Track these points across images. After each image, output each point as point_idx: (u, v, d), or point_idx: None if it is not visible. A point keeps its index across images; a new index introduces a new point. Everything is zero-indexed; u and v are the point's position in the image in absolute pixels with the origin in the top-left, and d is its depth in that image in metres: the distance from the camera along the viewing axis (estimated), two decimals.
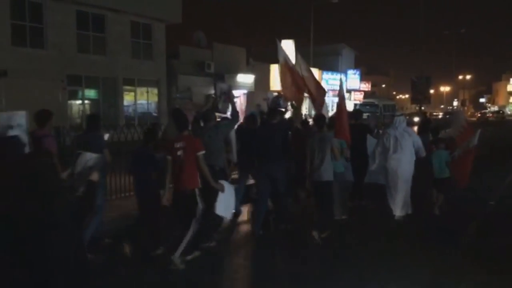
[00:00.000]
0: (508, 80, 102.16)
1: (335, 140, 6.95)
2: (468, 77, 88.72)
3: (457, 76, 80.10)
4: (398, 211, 7.53)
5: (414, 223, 7.97)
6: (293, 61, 9.62)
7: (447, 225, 7.73)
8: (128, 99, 23.99)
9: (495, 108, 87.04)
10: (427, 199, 8.42)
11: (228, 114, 7.58)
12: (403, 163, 7.41)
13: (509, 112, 76.08)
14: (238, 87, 29.46)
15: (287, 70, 9.16)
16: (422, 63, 36.64)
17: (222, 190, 5.88)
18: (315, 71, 37.67)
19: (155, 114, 24.90)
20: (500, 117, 64.21)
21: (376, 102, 28.67)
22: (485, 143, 11.11)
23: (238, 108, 23.90)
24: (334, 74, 39.80)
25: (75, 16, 20.65)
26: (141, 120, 23.21)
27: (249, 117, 8.07)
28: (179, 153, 5.61)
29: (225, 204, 6.00)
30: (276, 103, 8.60)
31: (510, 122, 50.57)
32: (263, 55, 34.45)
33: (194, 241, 5.67)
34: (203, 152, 5.69)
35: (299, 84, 9.15)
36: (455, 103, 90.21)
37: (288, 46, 35.99)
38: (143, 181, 6.15)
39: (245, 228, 7.81)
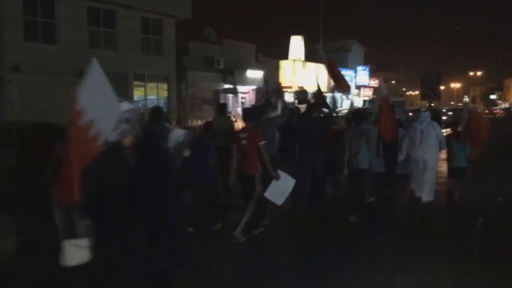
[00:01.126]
0: None
1: (372, 132, 7.87)
2: (479, 73, 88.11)
3: (468, 73, 79.53)
4: (425, 196, 8.05)
5: (422, 218, 8.07)
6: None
7: (455, 221, 7.78)
8: (138, 94, 24.16)
9: (506, 105, 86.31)
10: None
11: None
12: (428, 153, 7.96)
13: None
14: (247, 83, 29.57)
15: (332, 65, 9.61)
16: (432, 60, 36.59)
17: (278, 178, 6.52)
18: (325, 67, 37.64)
19: (164, 110, 25.04)
20: (510, 114, 63.56)
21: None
22: (493, 141, 11.20)
23: (247, 104, 23.85)
24: (344, 70, 39.70)
25: (86, 11, 20.81)
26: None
27: (219, 105, 9.17)
28: (243, 142, 6.43)
29: (277, 191, 6.53)
30: (301, 97, 8.88)
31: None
32: (272, 51, 34.51)
33: (255, 218, 6.39)
34: (264, 142, 6.37)
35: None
36: (465, 99, 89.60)
37: (297, 42, 36.11)
38: (201, 167, 6.74)
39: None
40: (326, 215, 7.99)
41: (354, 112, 8.74)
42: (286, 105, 8.07)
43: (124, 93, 23.02)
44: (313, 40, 37.27)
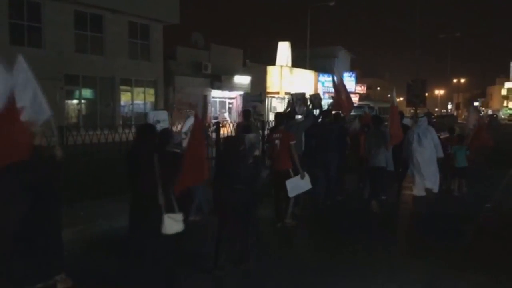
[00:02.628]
0: (502, 84, 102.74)
1: (388, 135, 8.71)
2: (462, 80, 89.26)
3: (452, 80, 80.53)
4: (429, 185, 9.11)
5: (415, 224, 8.16)
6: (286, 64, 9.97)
7: (445, 227, 7.88)
8: (124, 99, 24.04)
9: (489, 112, 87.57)
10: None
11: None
12: (424, 153, 8.98)
13: (503, 116, 76.55)
14: (234, 88, 29.59)
15: (341, 87, 10.16)
16: (418, 67, 36.96)
17: (303, 176, 7.25)
18: (311, 73, 37.93)
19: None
20: (493, 121, 64.40)
21: (372, 105, 28.82)
22: (480, 148, 11.59)
23: (234, 109, 24.21)
24: (330, 76, 39.93)
25: (73, 16, 20.69)
26: (137, 120, 23.26)
27: (245, 111, 9.51)
28: (276, 142, 7.33)
29: (295, 185, 7.21)
30: (315, 102, 9.80)
31: (504, 126, 50.80)
32: (259, 57, 34.60)
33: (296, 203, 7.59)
34: (294, 142, 7.28)
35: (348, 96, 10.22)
36: (449, 106, 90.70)
37: (284, 48, 36.27)
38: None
39: None
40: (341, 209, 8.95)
41: (374, 117, 9.85)
42: (310, 111, 9.12)
43: (111, 97, 22.93)
44: (300, 46, 37.55)
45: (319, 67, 38.89)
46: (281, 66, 34.50)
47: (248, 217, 5.51)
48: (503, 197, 9.63)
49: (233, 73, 29.34)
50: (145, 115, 24.36)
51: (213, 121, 15.37)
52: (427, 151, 8.98)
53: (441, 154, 9.22)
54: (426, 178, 9.10)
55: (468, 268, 5.94)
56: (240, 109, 30.56)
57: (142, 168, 4.47)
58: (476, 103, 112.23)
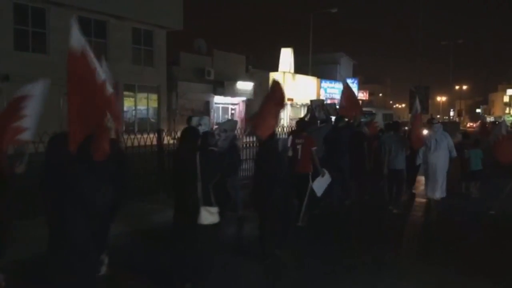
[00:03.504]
0: (504, 91, 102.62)
1: (406, 140, 9.50)
2: (464, 87, 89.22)
3: (454, 86, 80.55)
4: (437, 195, 9.42)
5: (421, 230, 8.15)
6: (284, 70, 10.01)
7: (448, 235, 7.86)
8: (128, 104, 24.09)
9: (491, 119, 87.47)
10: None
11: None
12: (440, 159, 9.36)
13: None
14: (237, 94, 29.64)
15: (349, 92, 10.43)
16: (420, 73, 36.86)
17: (323, 175, 7.73)
18: (314, 79, 37.99)
19: (153, 120, 25.01)
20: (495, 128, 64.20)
21: (374, 111, 28.79)
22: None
23: (236, 116, 24.39)
24: (333, 82, 40.05)
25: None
26: (140, 125, 23.32)
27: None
28: (298, 147, 7.65)
29: (320, 185, 7.69)
30: (331, 110, 10.57)
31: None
32: (262, 63, 34.68)
33: (312, 204, 7.88)
34: (316, 148, 7.71)
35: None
36: (451, 113, 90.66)
37: (287, 54, 36.37)
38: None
39: None
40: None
41: (393, 123, 10.49)
42: (329, 117, 9.78)
43: None
44: (302, 52, 37.64)
45: (322, 73, 38.96)
46: (284, 72, 34.56)
47: (286, 212, 6.41)
48: (506, 204, 9.61)
49: (236, 79, 29.41)
50: (147, 120, 24.61)
51: (215, 127, 15.23)
52: (442, 156, 9.39)
53: (455, 154, 9.62)
54: (436, 186, 9.44)
55: (474, 275, 5.92)
56: (242, 115, 30.61)
57: (186, 165, 5.02)
58: (478, 110, 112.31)
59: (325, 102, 10.62)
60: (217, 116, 29.59)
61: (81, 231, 4.45)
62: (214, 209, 4.98)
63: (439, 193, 9.45)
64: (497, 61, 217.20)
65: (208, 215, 4.91)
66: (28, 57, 18.87)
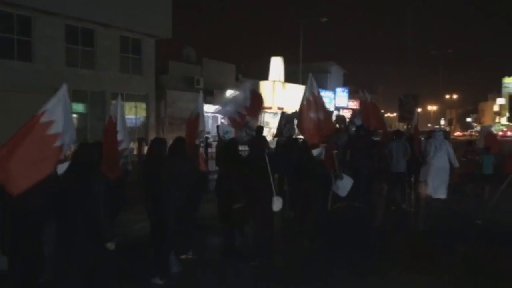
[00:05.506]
0: (494, 100, 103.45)
1: (406, 146, 10.79)
2: (454, 96, 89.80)
3: (444, 96, 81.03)
4: (439, 195, 10.47)
5: (408, 241, 8.02)
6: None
7: (434, 244, 7.75)
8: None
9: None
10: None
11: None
12: (440, 163, 10.39)
13: (495, 132, 76.81)
14: None
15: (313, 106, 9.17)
16: (410, 82, 36.94)
17: (341, 178, 8.69)
18: (303, 88, 37.85)
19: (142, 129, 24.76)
20: None
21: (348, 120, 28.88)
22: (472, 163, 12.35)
23: (226, 123, 23.88)
24: (323, 91, 40.03)
25: (64, 30, 20.56)
26: (128, 134, 23.05)
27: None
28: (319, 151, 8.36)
29: (341, 186, 8.61)
30: (339, 121, 12.64)
31: (494, 139, 50.86)
32: (252, 72, 34.64)
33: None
34: (336, 151, 8.81)
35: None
36: (442, 122, 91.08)
37: (277, 63, 36.35)
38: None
39: None
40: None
41: (396, 131, 11.81)
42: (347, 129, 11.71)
43: (101, 112, 22.75)
44: (293, 61, 37.63)
45: None
46: (274, 81, 34.51)
47: (319, 202, 7.89)
48: (493, 213, 9.58)
49: (226, 88, 29.26)
50: (136, 129, 24.36)
51: (206, 135, 15.33)
52: (441, 161, 10.37)
53: (457, 164, 10.69)
54: (437, 187, 10.46)
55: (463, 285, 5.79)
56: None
57: (258, 165, 6.47)
58: (468, 119, 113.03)
59: (336, 115, 11.44)
60: (206, 125, 29.38)
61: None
62: (280, 198, 6.38)
63: (440, 194, 10.44)
64: (487, 71, 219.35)
65: (278, 203, 6.36)
66: (14, 65, 18.61)
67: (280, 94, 34.26)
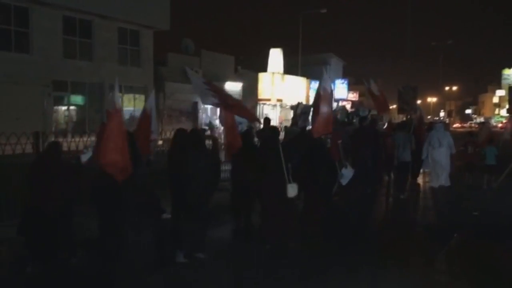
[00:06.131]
0: (494, 92, 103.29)
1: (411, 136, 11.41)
2: (454, 88, 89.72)
3: (444, 87, 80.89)
4: (442, 182, 11.14)
5: (396, 233, 8.02)
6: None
7: (431, 236, 7.75)
8: None
9: (481, 119, 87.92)
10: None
11: None
12: (442, 154, 10.97)
13: (494, 124, 76.83)
14: None
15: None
16: (409, 74, 36.85)
17: (346, 166, 8.74)
18: (303, 80, 37.87)
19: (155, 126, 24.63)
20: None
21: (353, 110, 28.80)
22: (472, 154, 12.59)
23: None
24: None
25: (61, 21, 20.48)
26: (127, 126, 22.98)
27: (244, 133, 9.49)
28: (328, 140, 8.51)
29: (346, 175, 8.67)
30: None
31: (494, 133, 50.93)
32: (251, 63, 34.53)
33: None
34: (341, 141, 8.79)
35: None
36: (441, 114, 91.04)
37: (276, 55, 36.22)
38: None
39: None
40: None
41: (401, 123, 12.51)
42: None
43: (100, 104, 22.70)
44: (292, 53, 37.52)
45: (311, 74, 38.88)
46: (273, 73, 34.42)
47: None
48: (491, 204, 9.58)
49: (225, 80, 29.22)
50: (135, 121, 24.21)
51: (205, 127, 15.29)
52: (443, 152, 10.92)
53: (453, 151, 11.28)
54: (440, 176, 11.11)
55: (455, 278, 5.79)
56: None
57: (270, 155, 6.78)
58: (468, 111, 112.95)
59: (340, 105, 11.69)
60: (205, 116, 29.37)
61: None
62: (295, 185, 6.62)
63: (443, 182, 11.14)
64: (487, 62, 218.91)
65: (291, 190, 6.57)
66: (11, 57, 18.54)
67: (279, 86, 34.19)
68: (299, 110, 12.36)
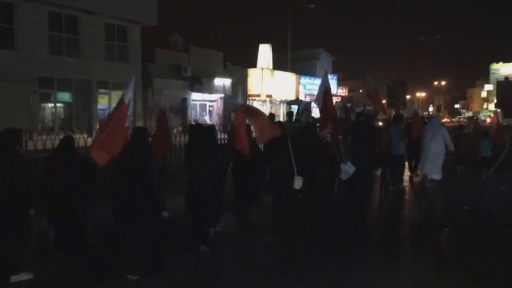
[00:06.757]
0: (482, 87, 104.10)
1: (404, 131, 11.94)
2: (443, 83, 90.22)
3: (433, 82, 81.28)
4: (434, 176, 10.99)
5: (390, 229, 7.97)
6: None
7: (422, 231, 7.70)
8: (102, 102, 23.53)
9: (470, 114, 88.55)
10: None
11: None
12: (437, 146, 10.98)
13: (483, 118, 77.39)
14: (214, 91, 29.28)
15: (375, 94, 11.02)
16: (398, 69, 36.76)
17: (346, 163, 9.10)
18: (293, 76, 37.77)
19: (132, 118, 24.34)
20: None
21: (349, 106, 28.81)
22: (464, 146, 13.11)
23: (215, 112, 25.21)
24: (312, 79, 39.92)
25: (47, 17, 20.15)
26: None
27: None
28: (326, 135, 8.66)
29: (347, 171, 8.96)
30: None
31: (483, 127, 51.25)
32: (240, 59, 34.34)
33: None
34: (341, 136, 9.28)
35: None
36: (430, 109, 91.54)
37: (265, 51, 36.08)
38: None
39: None
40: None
41: (395, 117, 12.59)
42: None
43: (87, 100, 22.43)
44: (281, 48, 37.39)
45: (301, 70, 38.77)
46: (262, 68, 34.28)
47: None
48: (483, 197, 9.59)
49: (214, 76, 29.03)
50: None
51: (193, 123, 15.34)
52: (438, 145, 11.00)
53: (452, 148, 11.32)
54: (432, 169, 11.07)
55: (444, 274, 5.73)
56: (220, 112, 30.23)
57: (280, 148, 7.23)
58: (457, 105, 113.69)
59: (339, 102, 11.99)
60: (194, 113, 29.18)
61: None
62: (300, 178, 7.10)
63: (435, 175, 11.06)
64: (475, 57, 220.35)
65: (298, 182, 7.07)
66: None
67: (269, 82, 34.06)
68: (301, 108, 13.59)
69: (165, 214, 5.62)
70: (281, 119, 24.40)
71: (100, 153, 5.39)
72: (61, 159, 6.07)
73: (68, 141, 6.36)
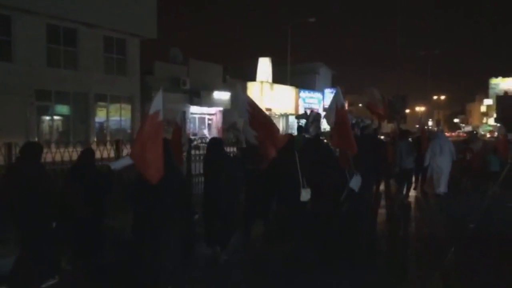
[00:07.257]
0: (481, 101, 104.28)
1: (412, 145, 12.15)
2: (442, 97, 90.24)
3: (432, 97, 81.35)
4: (441, 189, 11.72)
5: (396, 244, 7.73)
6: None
7: (427, 249, 7.48)
8: (100, 115, 23.33)
9: (469, 128, 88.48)
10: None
11: None
12: (444, 161, 11.44)
13: (482, 132, 77.30)
14: (214, 104, 29.11)
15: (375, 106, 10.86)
16: (398, 83, 36.48)
17: (357, 174, 8.73)
18: (292, 89, 37.69)
19: (129, 131, 24.21)
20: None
21: (354, 121, 28.59)
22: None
23: (214, 126, 25.04)
24: (311, 92, 39.84)
25: (45, 29, 20.03)
26: (113, 136, 22.56)
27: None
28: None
29: (355, 183, 8.51)
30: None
31: (491, 143, 51.33)
32: (239, 72, 34.26)
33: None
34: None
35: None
36: (430, 123, 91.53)
37: (265, 64, 36.04)
38: None
39: None
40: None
41: (403, 132, 12.50)
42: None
43: (85, 113, 22.23)
44: (281, 61, 37.35)
45: (300, 83, 38.70)
46: (262, 82, 34.19)
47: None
48: (486, 215, 9.33)
49: (213, 89, 28.88)
50: (122, 131, 23.80)
51: (192, 137, 15.28)
52: (446, 159, 11.37)
53: (455, 158, 11.87)
54: (440, 184, 11.63)
55: None
56: (220, 126, 30.02)
57: (287, 163, 7.38)
58: (456, 120, 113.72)
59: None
60: (193, 126, 28.97)
61: None
62: (307, 191, 7.28)
63: (443, 188, 11.66)
64: (474, 72, 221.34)
65: (305, 194, 7.26)
66: None
67: (268, 95, 33.94)
68: (311, 119, 13.78)
69: (196, 217, 6.38)
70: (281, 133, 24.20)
71: (151, 172, 5.10)
72: (82, 171, 6.29)
73: (88, 153, 6.60)
